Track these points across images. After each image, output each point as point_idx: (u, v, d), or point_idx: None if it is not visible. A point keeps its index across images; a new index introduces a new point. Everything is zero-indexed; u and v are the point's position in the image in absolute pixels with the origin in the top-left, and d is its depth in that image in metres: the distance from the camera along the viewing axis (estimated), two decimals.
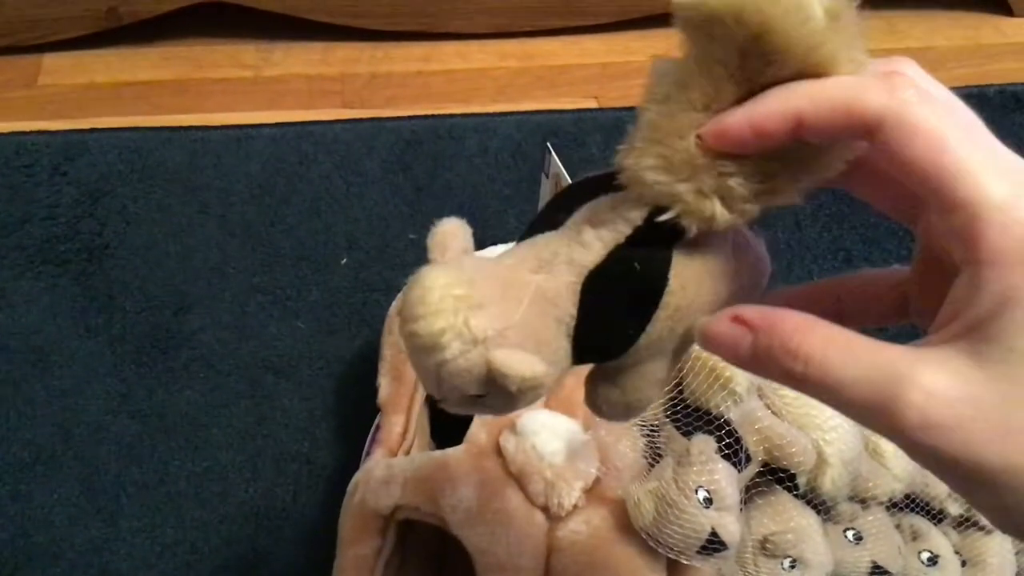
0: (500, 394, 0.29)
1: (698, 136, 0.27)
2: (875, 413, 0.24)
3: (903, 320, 0.33)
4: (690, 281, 0.30)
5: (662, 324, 0.30)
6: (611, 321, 0.30)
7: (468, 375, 0.28)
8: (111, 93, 0.97)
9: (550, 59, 1.02)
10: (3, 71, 0.98)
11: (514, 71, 1.01)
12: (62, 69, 0.98)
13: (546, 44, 1.03)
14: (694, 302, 0.30)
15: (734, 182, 0.27)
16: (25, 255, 0.83)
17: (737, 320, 0.28)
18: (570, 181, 0.67)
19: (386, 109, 0.96)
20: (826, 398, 0.25)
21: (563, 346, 0.30)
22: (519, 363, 0.28)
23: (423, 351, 0.28)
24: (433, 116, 0.94)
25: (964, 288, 0.24)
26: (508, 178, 0.90)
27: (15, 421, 0.75)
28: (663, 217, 0.28)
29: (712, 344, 0.29)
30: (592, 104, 0.98)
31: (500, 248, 0.67)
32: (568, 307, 0.30)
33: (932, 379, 0.24)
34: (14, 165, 0.88)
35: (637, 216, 0.29)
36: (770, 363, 0.27)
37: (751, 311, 0.28)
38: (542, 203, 0.75)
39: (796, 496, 0.59)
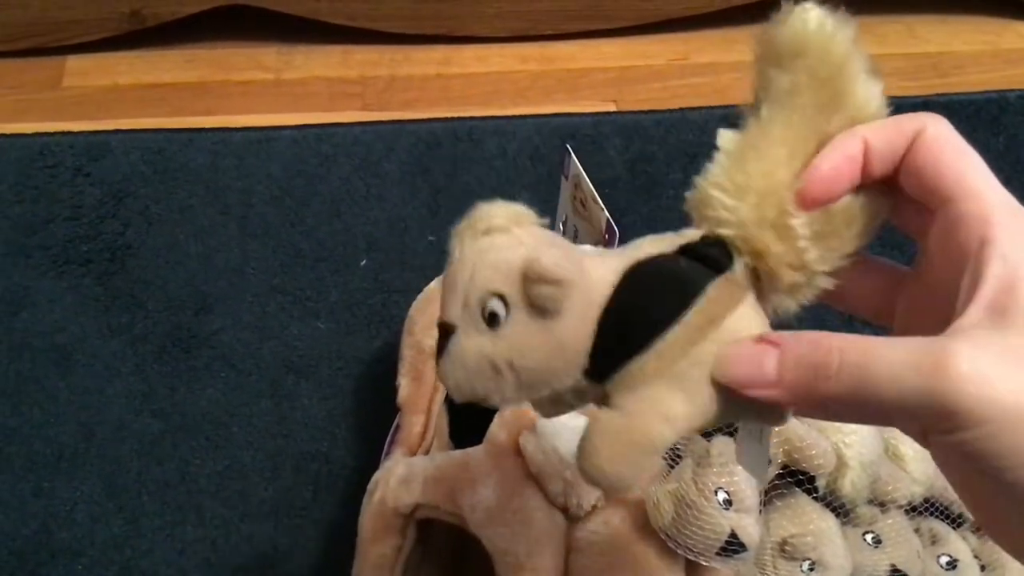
0: (521, 311, 0.29)
1: (798, 193, 0.29)
2: (924, 373, 0.24)
3: (871, 317, 0.34)
4: (722, 313, 0.29)
5: (681, 338, 0.29)
6: (636, 309, 0.29)
7: (505, 266, 0.29)
8: (134, 95, 0.98)
9: (569, 62, 1.03)
10: (28, 72, 0.99)
11: (533, 74, 1.02)
12: (86, 71, 0.99)
13: (565, 47, 1.04)
14: (720, 337, 0.29)
15: (796, 221, 0.29)
16: (48, 255, 0.84)
17: (762, 340, 0.28)
18: (589, 184, 0.67)
19: (406, 112, 0.97)
20: (868, 386, 0.25)
21: (590, 332, 0.29)
22: (557, 264, 0.28)
23: (472, 232, 0.30)
24: (452, 119, 0.95)
25: (977, 268, 0.27)
26: (527, 181, 0.90)
27: (39, 419, 0.76)
28: (719, 231, 0.30)
29: (734, 366, 0.28)
30: (611, 107, 0.98)
31: None
32: (604, 289, 0.30)
33: (971, 345, 0.25)
34: (38, 166, 0.89)
35: (694, 234, 0.31)
36: (800, 373, 0.27)
37: (773, 333, 0.29)
38: (561, 205, 0.75)
39: (815, 499, 0.59)
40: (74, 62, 1.00)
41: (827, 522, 0.58)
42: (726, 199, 0.30)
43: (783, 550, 0.56)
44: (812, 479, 0.58)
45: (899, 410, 0.25)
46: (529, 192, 0.89)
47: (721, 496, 0.51)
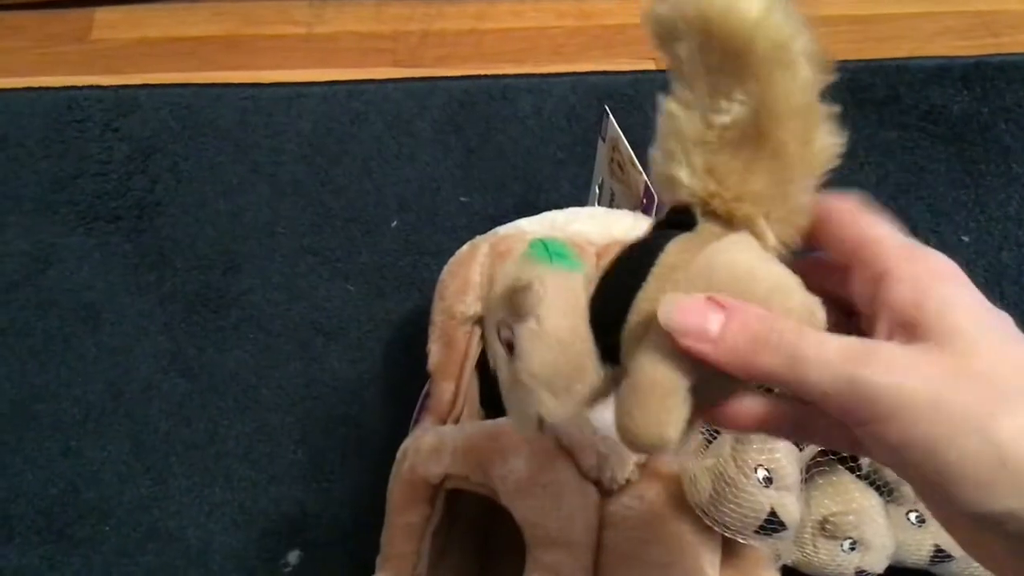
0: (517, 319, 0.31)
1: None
2: (848, 360, 0.26)
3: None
4: (688, 257, 0.30)
5: (652, 289, 0.30)
6: (614, 284, 0.31)
7: (500, 298, 0.32)
8: (163, 48, 0.96)
9: (607, 18, 0.99)
10: (55, 25, 0.97)
11: (570, 30, 0.99)
12: (114, 23, 0.98)
13: (603, 3, 1.00)
14: (700, 273, 0.30)
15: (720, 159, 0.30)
16: (76, 211, 0.83)
17: (712, 300, 0.29)
18: (627, 145, 0.65)
19: (438, 68, 0.95)
20: (799, 364, 0.27)
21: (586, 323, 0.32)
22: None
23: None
24: (486, 76, 0.92)
25: (882, 297, 0.29)
26: (562, 141, 0.88)
27: (66, 377, 0.75)
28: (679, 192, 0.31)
29: (678, 313, 0.28)
30: (650, 65, 0.95)
31: (553, 215, 0.65)
32: (589, 284, 0.32)
33: (891, 344, 0.27)
34: (66, 120, 0.88)
35: (661, 214, 0.33)
36: (741, 339, 0.28)
37: (725, 297, 0.29)
38: (598, 168, 0.73)
39: (859, 477, 0.57)
40: (102, 14, 0.98)
41: (870, 500, 0.56)
42: (659, 166, 0.32)
43: (824, 528, 0.55)
44: (855, 457, 0.56)
45: (823, 394, 0.27)
46: (564, 153, 0.87)
47: (761, 473, 0.49)
